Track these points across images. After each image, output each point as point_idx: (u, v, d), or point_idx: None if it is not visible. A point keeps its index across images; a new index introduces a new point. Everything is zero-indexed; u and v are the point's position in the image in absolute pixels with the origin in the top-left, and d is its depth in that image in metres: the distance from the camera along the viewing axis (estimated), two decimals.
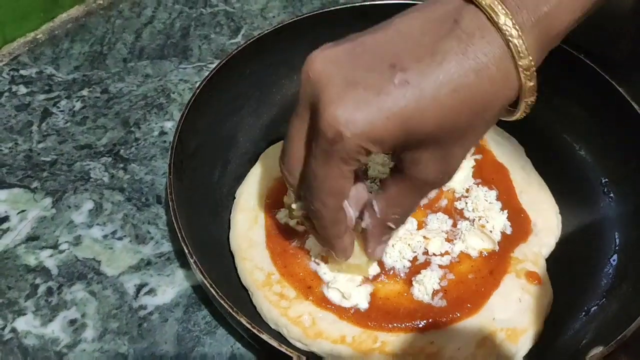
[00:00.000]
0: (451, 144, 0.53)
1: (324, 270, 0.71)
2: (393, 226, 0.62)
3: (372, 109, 0.49)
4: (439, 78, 0.49)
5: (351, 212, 0.62)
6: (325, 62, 0.52)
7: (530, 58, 0.50)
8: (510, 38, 0.49)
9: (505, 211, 0.77)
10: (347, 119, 0.49)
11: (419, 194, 0.59)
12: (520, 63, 0.50)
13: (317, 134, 0.52)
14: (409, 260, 0.72)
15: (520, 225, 0.77)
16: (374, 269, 0.71)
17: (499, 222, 0.76)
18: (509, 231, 0.76)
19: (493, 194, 0.79)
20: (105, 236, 0.80)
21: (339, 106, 0.50)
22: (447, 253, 0.73)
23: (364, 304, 0.69)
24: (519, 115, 0.55)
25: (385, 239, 0.65)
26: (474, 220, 0.76)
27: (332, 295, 0.69)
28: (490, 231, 0.75)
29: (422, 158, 0.53)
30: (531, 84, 0.51)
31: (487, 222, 0.76)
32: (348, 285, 0.69)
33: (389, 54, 0.51)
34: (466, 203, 0.78)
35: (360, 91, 0.50)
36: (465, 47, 0.49)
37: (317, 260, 0.72)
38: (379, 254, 0.67)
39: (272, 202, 0.78)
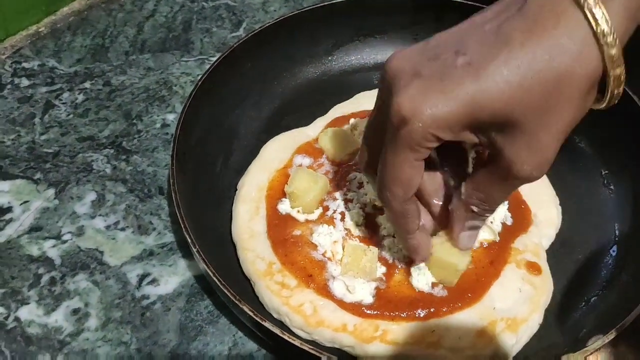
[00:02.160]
0: (532, 127, 0.50)
1: (332, 266, 0.71)
2: (476, 210, 0.60)
3: (436, 94, 0.50)
4: (502, 57, 0.48)
5: (422, 208, 0.63)
6: (399, 59, 0.54)
7: (609, 24, 0.45)
8: (585, 10, 0.45)
9: (506, 202, 0.77)
10: (411, 106, 0.50)
11: (506, 186, 0.56)
12: (597, 30, 0.45)
13: (387, 123, 0.54)
14: None
15: (520, 217, 0.77)
16: (380, 270, 0.71)
17: (500, 213, 0.76)
18: (509, 222, 0.76)
19: None
20: (107, 227, 0.80)
21: (404, 94, 0.51)
22: None
23: (368, 299, 0.69)
24: (607, 100, 0.51)
25: (469, 225, 0.63)
26: None
27: (336, 287, 0.69)
28: (491, 222, 0.75)
29: (505, 144, 0.51)
30: (613, 52, 0.46)
31: None
32: (354, 279, 0.70)
33: (454, 43, 0.51)
34: None
35: (424, 79, 0.51)
36: (530, 25, 0.47)
37: (326, 256, 0.72)
38: (465, 243, 0.65)
39: (274, 193, 0.78)
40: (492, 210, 0.61)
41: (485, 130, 0.51)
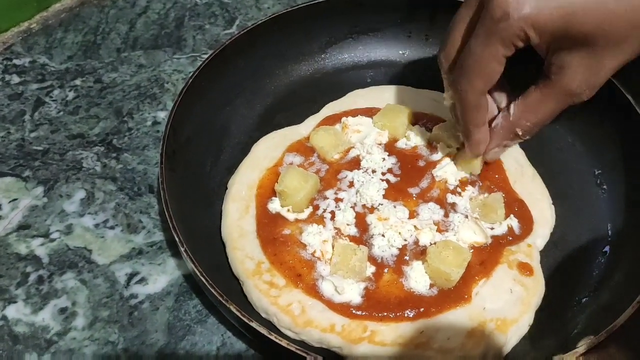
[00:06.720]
0: (604, 51, 0.55)
1: (322, 265, 0.71)
2: (520, 133, 0.68)
3: None
4: None
5: (491, 104, 0.69)
6: None
7: None
8: None
9: (513, 217, 0.76)
10: (517, 1, 0.54)
11: (558, 103, 0.62)
12: None
13: (483, 15, 0.56)
14: (397, 248, 0.72)
15: (526, 225, 0.76)
16: (369, 270, 0.71)
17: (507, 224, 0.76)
18: (517, 231, 0.75)
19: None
20: (96, 225, 0.80)
21: None
22: None
23: (357, 300, 0.68)
24: None
25: (506, 143, 0.71)
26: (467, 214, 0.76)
27: (325, 287, 0.69)
28: (492, 229, 0.75)
29: (572, 62, 0.57)
30: None
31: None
32: (343, 280, 0.69)
33: None
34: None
35: None
36: None
37: (315, 255, 0.71)
38: (493, 157, 0.74)
39: (264, 191, 0.78)
40: (533, 133, 0.68)
41: (558, 48, 0.56)
